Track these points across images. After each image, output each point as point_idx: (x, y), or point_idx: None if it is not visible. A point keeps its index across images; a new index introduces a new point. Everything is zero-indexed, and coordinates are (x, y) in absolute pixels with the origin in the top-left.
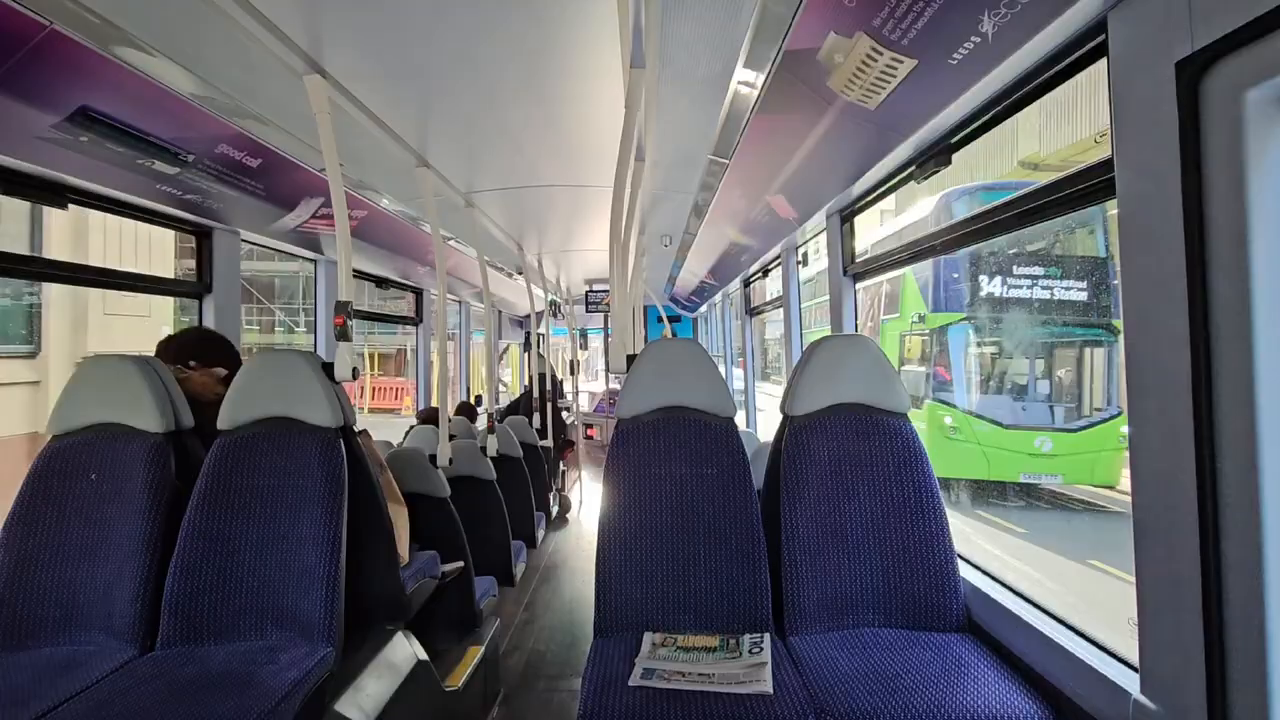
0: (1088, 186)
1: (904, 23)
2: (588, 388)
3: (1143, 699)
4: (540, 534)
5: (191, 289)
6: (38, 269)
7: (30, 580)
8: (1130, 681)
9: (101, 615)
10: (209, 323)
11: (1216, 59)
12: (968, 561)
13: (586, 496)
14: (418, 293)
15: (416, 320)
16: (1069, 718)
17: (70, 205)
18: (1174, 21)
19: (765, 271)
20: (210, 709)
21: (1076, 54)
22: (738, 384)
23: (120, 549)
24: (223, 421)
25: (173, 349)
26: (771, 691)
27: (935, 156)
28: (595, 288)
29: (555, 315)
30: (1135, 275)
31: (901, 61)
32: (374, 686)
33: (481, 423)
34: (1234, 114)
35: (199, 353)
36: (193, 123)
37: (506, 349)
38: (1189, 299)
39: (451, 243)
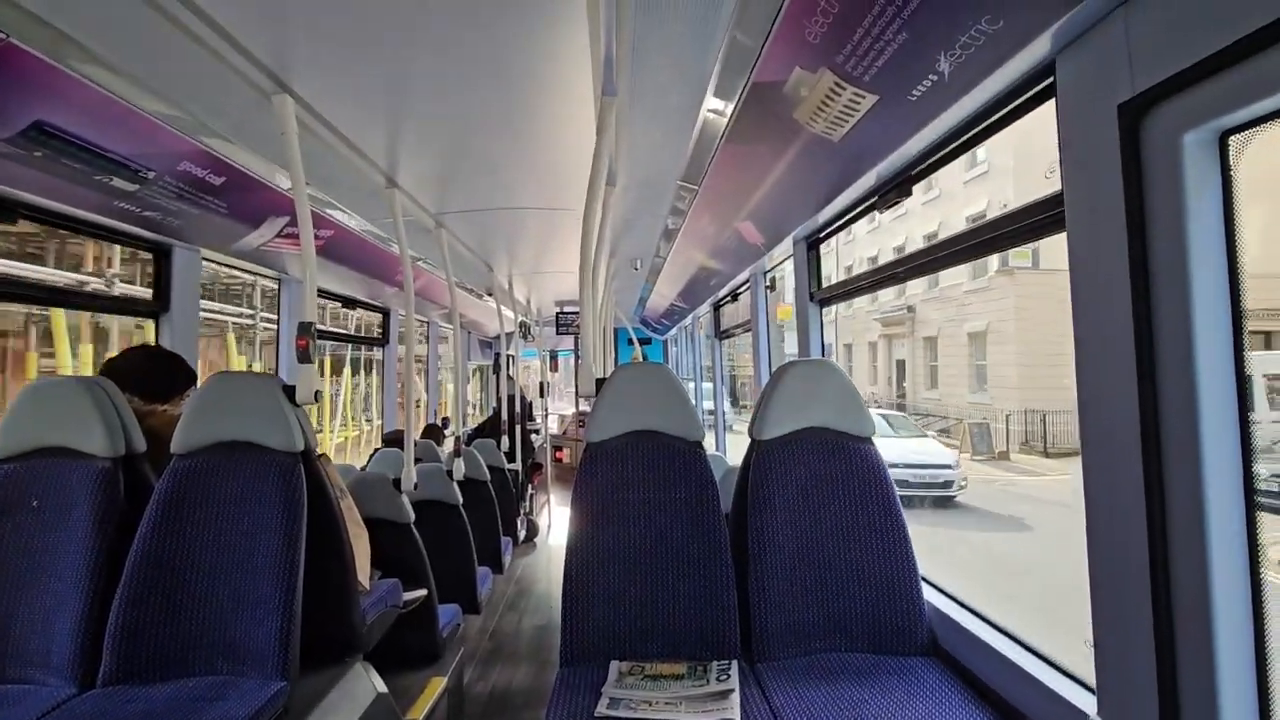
0: (1041, 219)
1: (865, 60)
2: (558, 409)
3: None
4: (507, 560)
5: (148, 308)
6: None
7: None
8: (1088, 703)
9: (39, 650)
10: (165, 342)
11: (1155, 102)
12: (931, 584)
13: (555, 520)
14: (385, 313)
15: (383, 341)
16: None
17: (20, 221)
18: (1116, 65)
19: (735, 295)
20: None
21: (1029, 93)
22: (710, 404)
23: (62, 579)
24: (177, 445)
25: (120, 373)
26: (737, 719)
27: (897, 187)
28: (566, 309)
29: (525, 337)
30: (1084, 306)
31: (864, 97)
32: (331, 718)
33: (449, 445)
34: (1172, 155)
35: (148, 375)
36: (154, 140)
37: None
38: (1135, 333)
39: (420, 263)
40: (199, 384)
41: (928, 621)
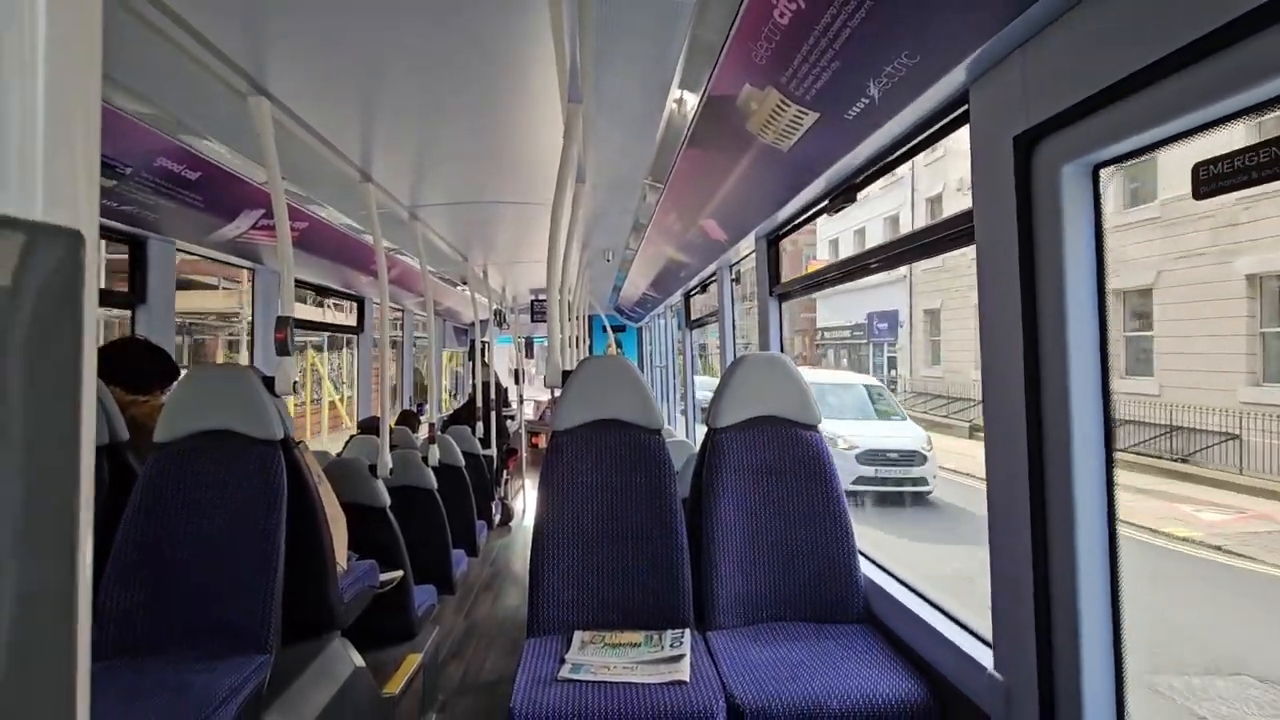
0: (960, 230)
1: (805, 81)
2: (534, 395)
3: (995, 674)
4: (482, 542)
5: (123, 299)
6: None
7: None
8: (988, 658)
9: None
10: (142, 332)
11: (1042, 136)
12: (869, 559)
13: (530, 505)
14: (360, 302)
15: (358, 330)
16: (944, 694)
17: None
18: (1013, 101)
19: (704, 286)
20: (153, 715)
21: (951, 116)
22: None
23: None
24: (160, 434)
25: (103, 365)
26: (688, 680)
27: (843, 194)
28: (541, 297)
29: (500, 324)
30: (986, 306)
31: (806, 114)
32: (311, 693)
33: (424, 432)
34: (1054, 183)
35: (131, 367)
36: (132, 138)
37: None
38: (1022, 330)
39: (395, 253)
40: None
41: (863, 593)
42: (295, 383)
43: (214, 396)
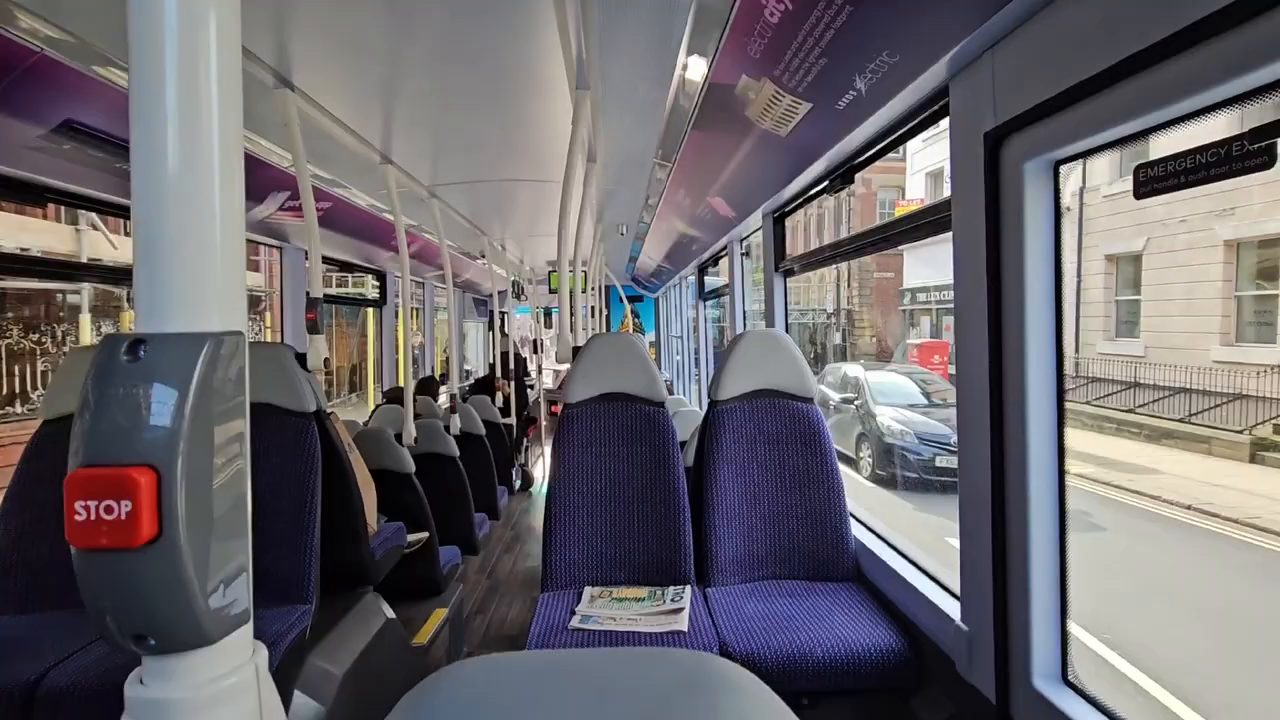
0: (943, 217)
1: (797, 75)
2: (553, 365)
3: (961, 625)
4: (503, 506)
5: None
6: (12, 265)
7: (30, 552)
8: (957, 611)
9: None
10: None
11: (1009, 134)
12: (860, 521)
13: (549, 471)
14: (381, 276)
15: (380, 302)
16: (920, 645)
17: (49, 204)
18: (985, 99)
19: (716, 260)
20: None
21: (933, 108)
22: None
23: None
24: None
25: None
26: (686, 630)
27: (841, 177)
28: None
29: (518, 296)
30: (961, 294)
31: (800, 104)
32: (348, 640)
33: (444, 400)
34: (1017, 178)
35: None
36: None
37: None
38: (988, 312)
39: (415, 228)
40: None
41: (853, 553)
42: (326, 359)
43: (253, 373)
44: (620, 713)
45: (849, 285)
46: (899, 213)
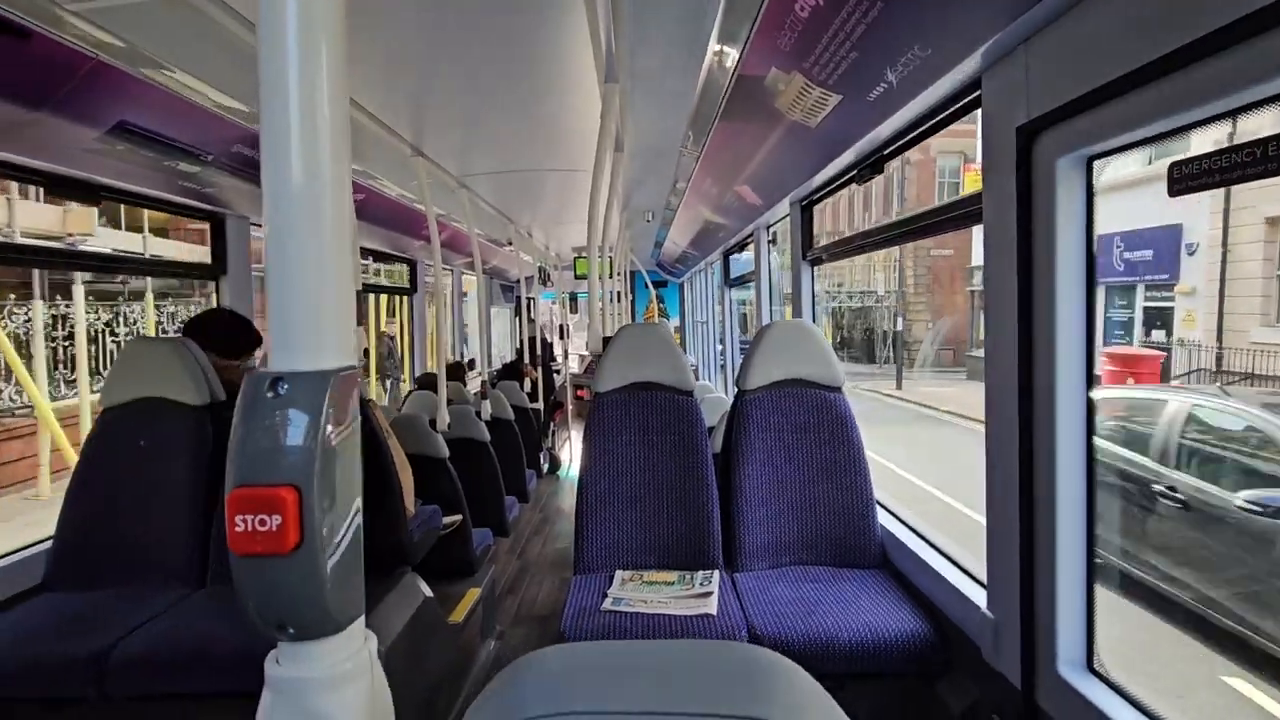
0: (973, 209)
1: (828, 68)
2: (578, 349)
3: (987, 612)
4: (532, 490)
5: (208, 271)
6: (64, 258)
7: (93, 532)
8: (983, 598)
9: (158, 558)
10: (226, 302)
11: (1041, 129)
12: (886, 510)
13: (576, 455)
14: (412, 264)
15: (411, 290)
16: (946, 631)
17: (103, 201)
18: (1017, 94)
19: (742, 246)
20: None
21: (968, 99)
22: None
23: (170, 504)
24: None
25: (200, 333)
26: (715, 613)
27: (870, 166)
28: (583, 254)
29: (545, 282)
30: (991, 287)
31: (830, 96)
32: (389, 617)
33: (475, 386)
34: (1049, 175)
35: (224, 335)
36: (212, 128)
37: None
38: (1018, 306)
39: (444, 217)
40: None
41: (879, 541)
42: (365, 349)
43: None
44: (689, 701)
45: (901, 265)
46: (968, 180)
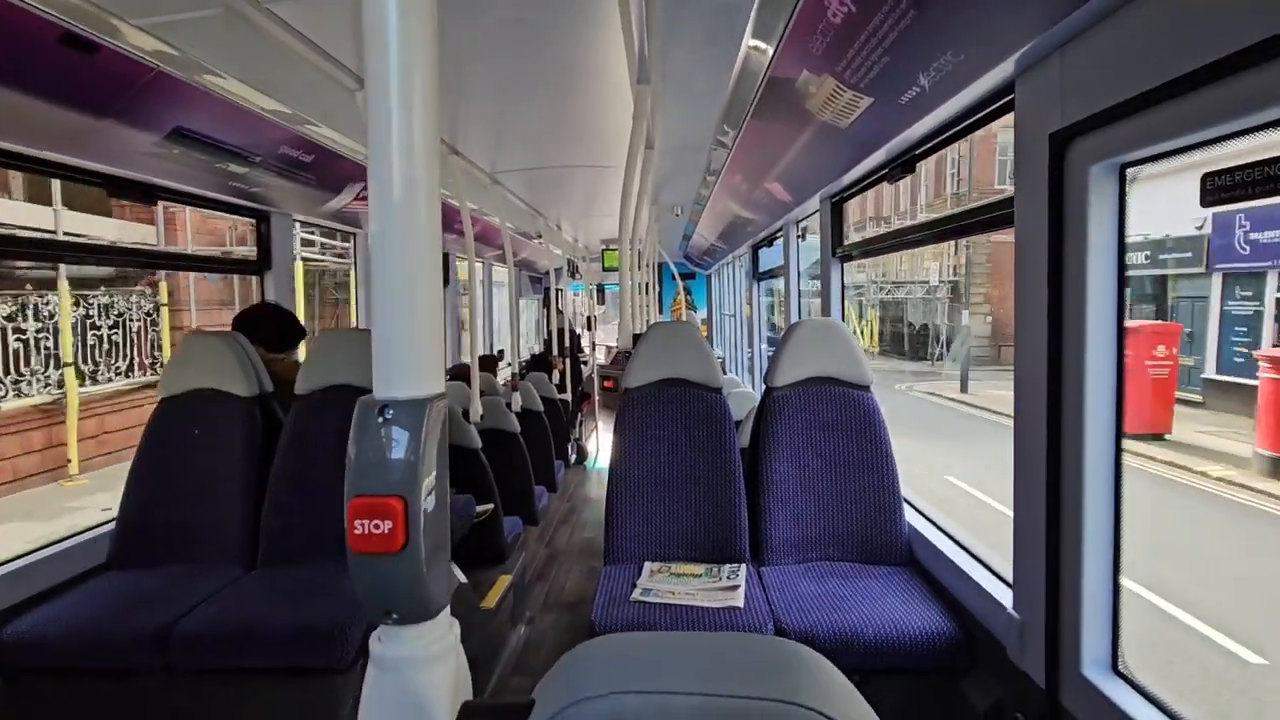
0: (1004, 213)
1: (860, 72)
2: (605, 341)
3: (1013, 612)
4: (560, 479)
5: (253, 267)
6: (111, 255)
7: (154, 514)
8: (1009, 598)
9: (211, 542)
10: (270, 295)
11: (1074, 136)
12: (913, 507)
13: (603, 445)
14: (444, 257)
15: (445, 283)
16: (971, 629)
17: (158, 201)
18: (1051, 100)
19: (771, 240)
20: (310, 611)
21: (1000, 102)
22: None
23: (224, 489)
24: (300, 388)
25: (249, 328)
26: (742, 606)
27: (901, 165)
28: (612, 246)
29: (573, 274)
30: (1022, 291)
31: (862, 98)
32: None
33: (505, 377)
34: (1082, 181)
35: (271, 330)
36: (261, 131)
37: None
38: (1047, 310)
39: (475, 211)
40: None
41: (906, 538)
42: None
43: (340, 356)
44: (731, 686)
45: (957, 252)
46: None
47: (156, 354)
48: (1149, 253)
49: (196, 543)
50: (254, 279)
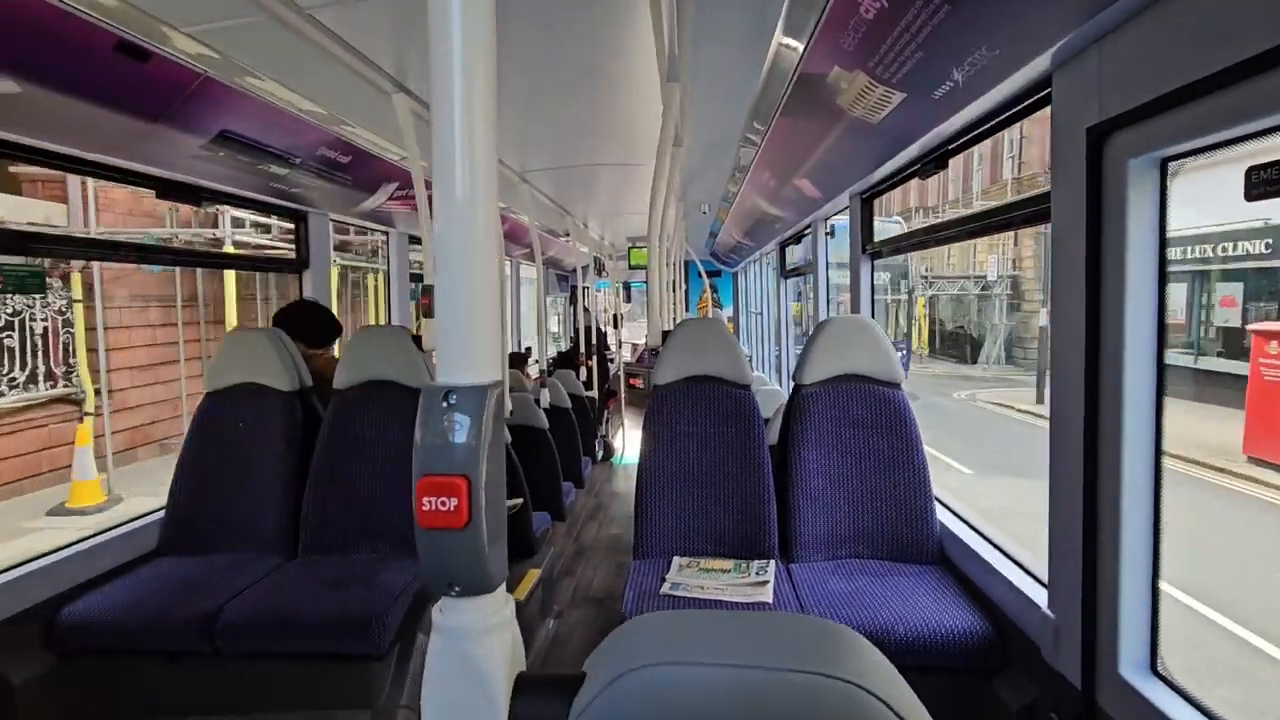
0: (1040, 208)
1: (892, 67)
2: (632, 339)
3: (1048, 612)
4: (587, 476)
5: (292, 266)
6: (152, 255)
7: (200, 504)
8: (1043, 597)
9: (254, 531)
10: (307, 293)
11: (1113, 130)
12: (945, 506)
13: (628, 443)
14: None
15: None
16: (1005, 629)
17: (204, 202)
18: (1089, 93)
19: (799, 238)
20: (347, 600)
21: (1036, 96)
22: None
23: (265, 480)
24: (338, 382)
25: (288, 324)
26: (770, 602)
27: (934, 161)
28: (638, 244)
29: (600, 271)
30: (1059, 288)
31: (894, 94)
32: None
33: (533, 372)
34: (1120, 176)
35: (310, 326)
36: (301, 134)
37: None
38: (1085, 307)
39: (503, 209)
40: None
41: (937, 537)
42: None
43: (376, 353)
44: (774, 659)
45: (1017, 244)
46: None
47: (72, 361)
48: (1270, 241)
49: (239, 532)
50: (222, 274)
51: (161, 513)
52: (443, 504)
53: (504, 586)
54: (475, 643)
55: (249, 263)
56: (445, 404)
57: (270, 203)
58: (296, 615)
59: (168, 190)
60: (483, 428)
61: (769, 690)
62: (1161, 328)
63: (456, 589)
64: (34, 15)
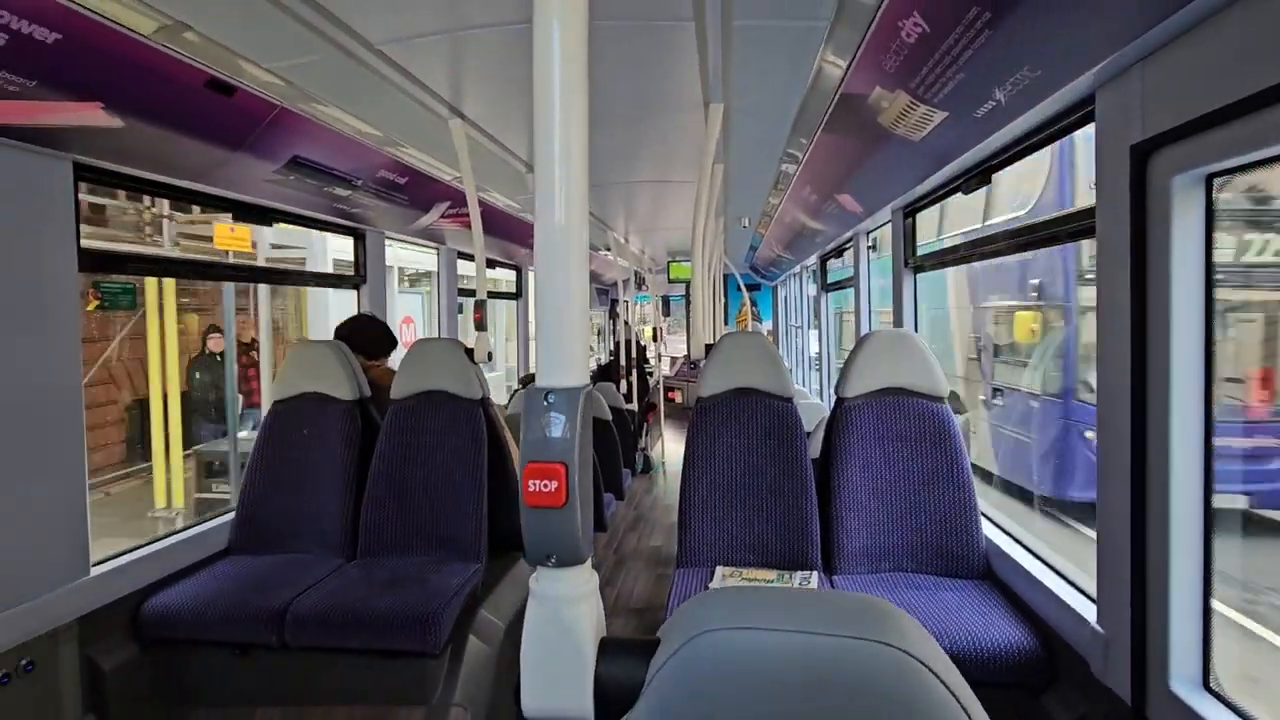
0: (1085, 224)
1: (934, 87)
2: (671, 351)
3: (1096, 626)
4: (627, 488)
5: (351, 281)
6: (218, 271)
7: (268, 506)
8: (1092, 613)
9: (317, 533)
10: (365, 307)
11: (1157, 148)
12: (991, 521)
13: (668, 455)
14: (517, 270)
15: (517, 295)
16: (1053, 644)
17: (274, 223)
18: (1133, 111)
19: (840, 251)
20: (405, 599)
21: (1076, 115)
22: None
23: (328, 485)
24: (396, 392)
25: (348, 337)
26: None
27: (976, 177)
28: (678, 258)
29: (639, 285)
30: (1103, 303)
31: (935, 113)
32: (509, 596)
33: None
34: (1165, 192)
35: (368, 339)
36: (364, 157)
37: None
38: (1131, 322)
39: None
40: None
41: (983, 551)
42: (490, 353)
43: (432, 364)
44: (833, 629)
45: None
46: None
47: None
48: None
49: (303, 533)
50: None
51: (230, 515)
52: (545, 486)
53: (590, 561)
54: (568, 609)
55: (315, 279)
56: (545, 403)
57: (332, 222)
58: (358, 612)
59: (242, 213)
60: (576, 423)
61: (829, 655)
62: (1209, 339)
63: (553, 559)
64: (136, 57)
